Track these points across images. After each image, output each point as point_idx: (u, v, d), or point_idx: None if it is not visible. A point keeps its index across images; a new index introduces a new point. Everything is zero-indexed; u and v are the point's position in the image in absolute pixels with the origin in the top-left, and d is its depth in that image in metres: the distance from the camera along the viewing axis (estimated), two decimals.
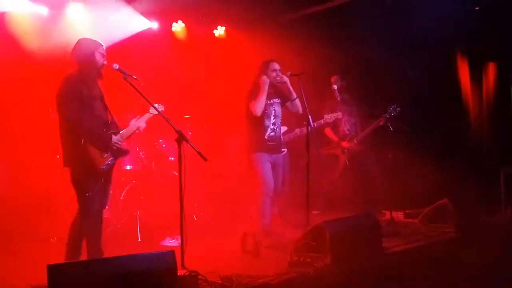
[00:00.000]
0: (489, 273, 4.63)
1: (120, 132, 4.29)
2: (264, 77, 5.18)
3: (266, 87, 5.17)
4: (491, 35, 7.58)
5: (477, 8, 7.22)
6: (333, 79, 6.88)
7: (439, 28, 6.91)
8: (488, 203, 5.97)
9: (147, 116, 4.50)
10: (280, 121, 5.43)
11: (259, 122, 5.27)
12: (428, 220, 5.52)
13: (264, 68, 5.29)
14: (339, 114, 6.04)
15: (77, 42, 4.19)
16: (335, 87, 6.69)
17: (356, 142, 6.74)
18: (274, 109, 5.35)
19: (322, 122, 6.02)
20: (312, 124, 5.03)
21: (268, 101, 5.29)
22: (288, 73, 5.23)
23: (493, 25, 7.40)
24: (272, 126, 5.30)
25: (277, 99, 5.38)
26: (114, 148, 4.19)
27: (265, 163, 5.25)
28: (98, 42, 4.23)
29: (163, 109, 4.56)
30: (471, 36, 7.65)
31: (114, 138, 4.19)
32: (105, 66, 4.18)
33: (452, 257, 4.83)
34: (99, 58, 4.16)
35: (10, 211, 5.27)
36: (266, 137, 5.28)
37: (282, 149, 5.61)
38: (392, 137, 6.10)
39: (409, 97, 6.89)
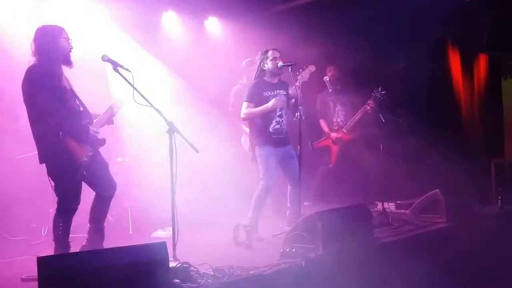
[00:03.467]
0: (480, 262, 4.66)
1: (94, 121, 4.16)
2: (277, 101, 5.02)
3: (271, 108, 5.02)
4: (482, 26, 7.60)
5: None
6: (328, 69, 6.91)
7: (430, 20, 6.91)
8: (479, 193, 6.01)
9: (116, 102, 4.29)
10: (287, 113, 5.20)
11: (263, 115, 5.11)
12: (420, 211, 5.54)
13: (264, 59, 5.15)
14: (312, 68, 5.91)
15: (36, 31, 3.97)
16: (327, 78, 6.69)
17: (345, 131, 6.81)
18: None
19: (298, 84, 5.76)
20: (303, 113, 4.90)
21: (272, 93, 5.12)
22: (281, 63, 5.12)
23: (484, 17, 7.42)
24: (277, 119, 5.11)
25: (282, 91, 5.19)
26: (93, 138, 4.09)
27: (268, 158, 5.09)
28: (60, 27, 4.03)
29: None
30: (463, 27, 7.66)
31: (91, 128, 4.08)
32: (71, 50, 4.02)
33: (443, 247, 4.86)
34: (64, 44, 3.99)
35: (0, 203, 5.22)
36: (270, 130, 5.10)
37: None
38: (383, 128, 6.11)
39: (400, 88, 6.89)
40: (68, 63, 4.05)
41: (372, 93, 6.48)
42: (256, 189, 5.14)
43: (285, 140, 5.21)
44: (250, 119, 5.19)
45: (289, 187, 5.28)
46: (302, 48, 6.47)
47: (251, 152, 5.30)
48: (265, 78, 5.19)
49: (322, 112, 7.03)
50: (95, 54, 4.11)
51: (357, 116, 6.73)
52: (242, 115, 5.20)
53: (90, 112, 4.20)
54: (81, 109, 4.10)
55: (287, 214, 5.31)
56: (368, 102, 6.53)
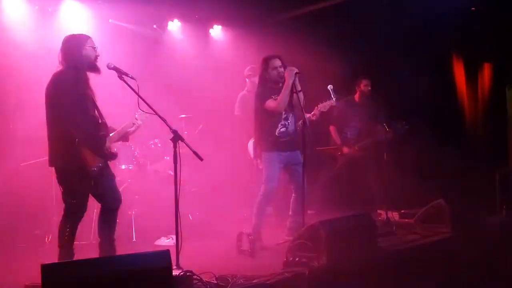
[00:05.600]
0: (485, 273, 4.64)
1: (110, 135, 4.18)
2: (289, 72, 4.94)
3: (291, 82, 4.93)
4: (486, 36, 7.61)
5: (473, 8, 7.23)
6: (362, 83, 6.78)
7: (435, 29, 6.93)
8: (483, 203, 5.98)
9: (135, 118, 4.29)
10: (293, 116, 5.19)
11: (269, 119, 5.09)
12: (424, 220, 5.52)
13: (264, 66, 5.14)
14: (332, 102, 5.97)
15: (64, 40, 4.05)
16: (331, 87, 6.67)
17: (357, 148, 6.74)
18: None
19: (317, 113, 5.88)
20: (307, 121, 4.91)
21: (277, 96, 5.04)
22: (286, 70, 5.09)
23: (488, 26, 7.43)
24: (283, 122, 5.11)
25: None
26: (107, 151, 4.10)
27: (272, 164, 5.10)
28: (86, 35, 4.10)
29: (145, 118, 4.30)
30: (467, 37, 7.67)
31: (107, 142, 4.09)
32: (98, 58, 4.07)
33: (447, 257, 4.84)
34: (90, 52, 4.04)
35: (4, 210, 5.23)
36: (277, 134, 5.09)
37: None
38: (388, 137, 6.11)
39: (404, 97, 6.89)
40: (95, 69, 4.09)
41: (394, 124, 6.30)
42: (258, 194, 5.14)
43: (292, 144, 5.17)
44: (283, 104, 5.02)
45: (293, 195, 5.27)
46: (306, 56, 6.49)
47: (255, 160, 5.29)
48: (268, 85, 5.18)
49: (336, 119, 6.79)
50: (100, 62, 4.13)
51: (373, 140, 6.59)
52: (277, 107, 5.01)
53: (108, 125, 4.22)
54: (100, 121, 4.11)
55: (288, 223, 5.30)
56: (388, 130, 6.23)
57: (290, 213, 5.27)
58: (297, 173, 5.14)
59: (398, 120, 6.35)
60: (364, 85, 6.83)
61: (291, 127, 5.18)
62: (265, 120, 5.13)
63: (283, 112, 5.11)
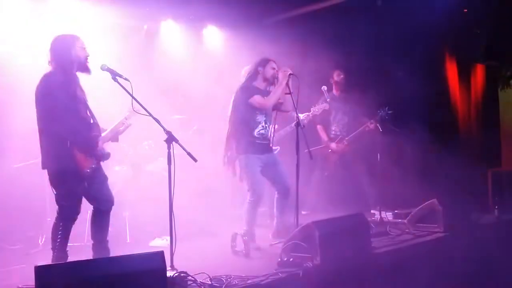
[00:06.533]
0: (478, 272, 4.67)
1: (102, 135, 4.16)
2: (284, 72, 4.97)
3: (284, 82, 4.96)
4: (479, 37, 7.65)
5: (466, 10, 7.27)
6: (336, 73, 6.87)
7: (428, 30, 6.96)
8: (476, 202, 6.02)
9: (124, 118, 4.32)
10: (271, 120, 5.22)
11: (249, 117, 5.05)
12: (417, 220, 5.54)
13: (264, 63, 5.16)
14: (326, 106, 6.03)
15: (52, 40, 4.02)
16: (325, 88, 6.71)
17: (346, 143, 6.78)
18: None
19: (310, 115, 5.94)
20: (301, 121, 4.94)
21: (263, 97, 5.08)
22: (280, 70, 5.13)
23: (481, 27, 7.47)
24: (263, 124, 5.08)
25: None
26: (99, 152, 4.10)
27: (254, 167, 5.02)
28: (75, 35, 4.08)
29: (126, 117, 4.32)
30: (460, 38, 7.72)
31: (100, 143, 4.08)
32: (88, 58, 4.06)
33: (440, 257, 4.87)
34: (80, 52, 4.02)
35: None
36: (255, 134, 5.04)
37: (274, 147, 5.41)
38: (381, 138, 6.14)
39: (397, 98, 6.92)
40: (85, 70, 4.08)
41: (378, 112, 6.40)
42: (244, 201, 5.10)
43: (269, 147, 5.17)
44: (273, 101, 5.02)
45: (276, 195, 5.25)
46: (300, 58, 6.51)
47: (225, 159, 5.18)
48: (254, 82, 5.17)
49: (321, 118, 6.82)
50: (94, 64, 4.12)
51: (359, 131, 6.66)
52: (265, 103, 5.00)
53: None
54: (92, 121, 4.10)
55: (274, 224, 5.29)
56: (372, 120, 6.43)
57: (276, 213, 5.25)
58: (277, 173, 5.13)
59: (381, 106, 6.40)
60: (337, 75, 6.91)
61: (269, 131, 5.16)
62: (245, 116, 5.06)
63: (264, 115, 5.10)
